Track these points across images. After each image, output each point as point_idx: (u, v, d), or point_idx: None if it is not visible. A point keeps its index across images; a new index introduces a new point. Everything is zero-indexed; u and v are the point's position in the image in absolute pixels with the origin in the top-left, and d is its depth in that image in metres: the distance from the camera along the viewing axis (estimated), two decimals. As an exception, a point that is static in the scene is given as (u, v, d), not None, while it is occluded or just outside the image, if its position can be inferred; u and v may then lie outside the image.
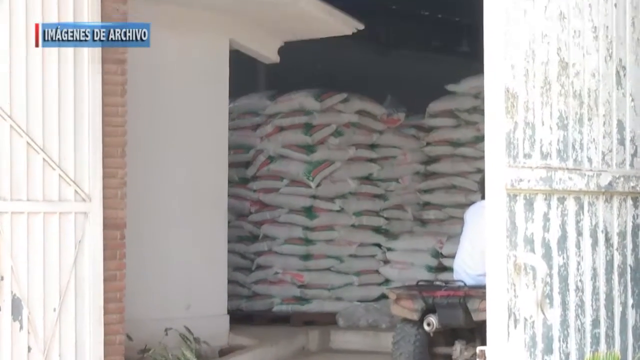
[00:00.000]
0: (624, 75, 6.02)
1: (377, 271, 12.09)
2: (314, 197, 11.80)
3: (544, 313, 5.40)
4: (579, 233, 5.71)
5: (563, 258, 5.61)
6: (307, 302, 11.68)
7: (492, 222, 5.34)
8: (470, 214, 8.79)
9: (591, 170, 5.78)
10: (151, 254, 9.69)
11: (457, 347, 8.32)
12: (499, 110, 5.34)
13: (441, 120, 12.34)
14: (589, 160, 5.79)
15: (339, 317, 11.32)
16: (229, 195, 10.96)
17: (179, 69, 10.14)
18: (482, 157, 5.52)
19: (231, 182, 11.54)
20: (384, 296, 11.35)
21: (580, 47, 5.76)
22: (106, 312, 7.67)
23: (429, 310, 8.25)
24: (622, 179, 5.93)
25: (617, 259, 5.93)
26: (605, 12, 5.91)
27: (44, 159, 7.45)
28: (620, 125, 6.00)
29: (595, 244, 5.80)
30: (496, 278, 5.30)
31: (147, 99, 9.59)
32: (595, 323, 5.77)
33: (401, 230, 12.33)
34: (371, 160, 12.28)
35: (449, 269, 10.51)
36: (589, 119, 5.81)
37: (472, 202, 9.96)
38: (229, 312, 10.67)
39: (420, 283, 8.80)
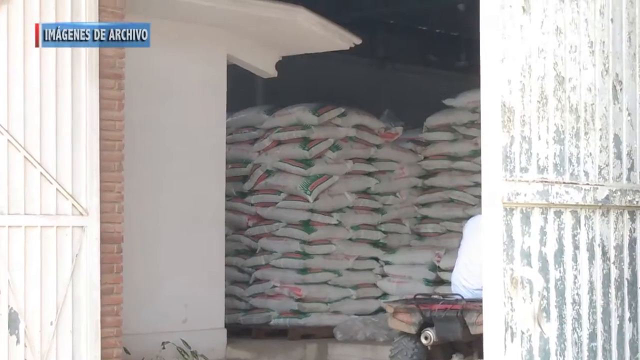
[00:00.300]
0: (621, 89, 6.03)
1: (374, 285, 12.09)
2: (312, 210, 11.81)
3: (540, 326, 5.41)
4: (576, 247, 5.72)
5: (560, 272, 5.62)
6: (304, 315, 11.67)
7: (489, 236, 5.35)
8: (469, 228, 8.80)
9: (588, 184, 5.79)
10: (148, 267, 9.70)
11: (455, 361, 8.33)
12: (496, 124, 5.35)
13: (439, 134, 12.36)
14: (586, 174, 5.81)
15: (337, 330, 11.31)
16: (226, 209, 10.98)
17: (176, 83, 10.17)
18: (480, 171, 5.53)
19: (229, 196, 11.56)
20: (381, 310, 11.34)
21: (576, 62, 5.78)
22: (103, 325, 7.67)
23: (427, 323, 8.25)
24: (618, 193, 5.94)
25: (614, 272, 5.94)
26: (602, 27, 5.93)
27: (41, 173, 7.46)
28: (617, 140, 6.01)
29: (592, 257, 5.81)
30: (493, 291, 5.30)
31: (144, 113, 9.62)
32: (592, 336, 5.78)
33: (399, 243, 12.34)
34: (369, 174, 12.29)
35: (447, 283, 10.52)
36: (586, 133, 5.82)
37: (470, 216, 9.98)
38: (227, 325, 10.67)
39: (417, 296, 8.80)
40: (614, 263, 5.94)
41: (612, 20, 5.98)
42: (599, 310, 5.82)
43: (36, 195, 7.44)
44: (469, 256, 8.55)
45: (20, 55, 7.41)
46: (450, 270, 9.22)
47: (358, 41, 11.22)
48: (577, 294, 5.70)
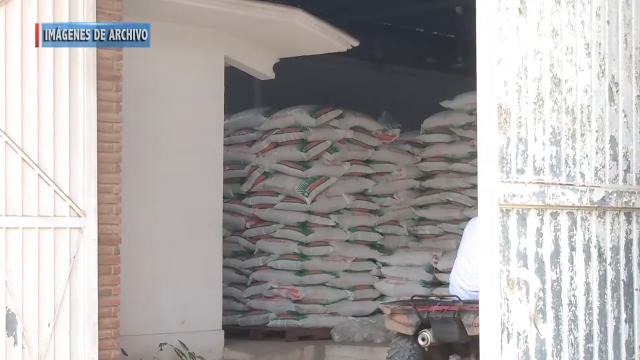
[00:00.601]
0: (617, 91, 6.05)
1: (372, 286, 12.10)
2: (309, 212, 11.82)
3: (537, 328, 5.42)
4: (572, 248, 5.73)
5: (556, 273, 5.63)
6: (302, 317, 11.68)
7: (486, 237, 5.36)
8: (468, 229, 8.80)
9: (584, 185, 5.80)
10: (146, 269, 9.70)
11: (452, 362, 8.33)
12: (492, 126, 5.37)
13: (436, 136, 12.37)
14: (582, 175, 5.82)
15: (334, 332, 11.32)
16: (224, 211, 10.99)
17: (174, 85, 10.17)
18: (477, 173, 5.54)
19: (226, 198, 11.56)
20: (379, 311, 11.36)
21: (573, 63, 5.79)
22: (101, 327, 7.68)
23: (424, 325, 8.24)
24: (615, 194, 5.95)
25: (610, 273, 5.95)
26: (598, 29, 5.94)
27: (39, 175, 7.46)
28: (613, 141, 6.02)
29: (588, 259, 5.82)
30: (489, 293, 5.31)
31: (142, 115, 9.63)
32: (589, 337, 5.79)
33: (396, 245, 12.34)
34: (366, 175, 12.30)
35: (444, 284, 10.53)
36: (582, 135, 5.83)
37: (468, 217, 9.98)
38: (224, 327, 10.67)
39: (415, 298, 8.80)
40: (610, 264, 5.95)
41: (608, 22, 6.00)
42: (595, 311, 5.84)
43: (34, 196, 7.45)
44: (467, 257, 8.54)
45: (18, 56, 7.42)
46: (448, 271, 9.21)
47: (355, 43, 11.23)
48: (574, 295, 5.71)
